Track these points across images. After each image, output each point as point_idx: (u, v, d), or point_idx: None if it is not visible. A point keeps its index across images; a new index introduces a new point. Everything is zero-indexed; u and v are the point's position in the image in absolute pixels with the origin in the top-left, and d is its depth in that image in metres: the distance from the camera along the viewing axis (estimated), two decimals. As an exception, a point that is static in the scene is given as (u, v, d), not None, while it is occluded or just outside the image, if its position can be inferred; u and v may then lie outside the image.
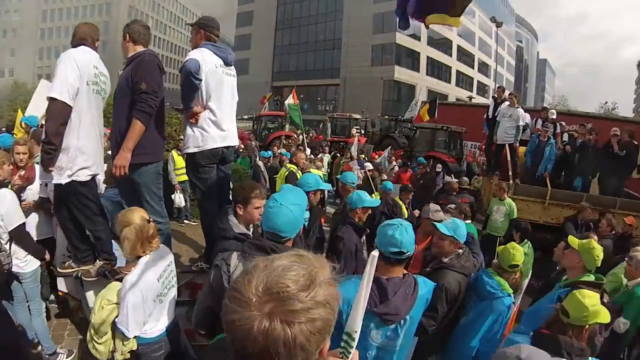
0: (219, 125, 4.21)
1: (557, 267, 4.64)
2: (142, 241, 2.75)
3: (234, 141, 4.54)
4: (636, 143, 9.79)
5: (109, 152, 4.45)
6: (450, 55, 58.51)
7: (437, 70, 56.37)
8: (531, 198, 9.36)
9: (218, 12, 74.63)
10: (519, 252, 3.52)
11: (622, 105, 71.93)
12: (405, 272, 2.68)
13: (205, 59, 4.01)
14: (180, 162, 8.62)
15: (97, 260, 3.92)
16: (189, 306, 3.60)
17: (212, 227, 4.00)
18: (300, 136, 17.07)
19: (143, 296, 2.64)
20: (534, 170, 10.08)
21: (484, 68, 65.59)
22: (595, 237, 6.23)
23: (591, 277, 3.62)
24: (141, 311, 2.65)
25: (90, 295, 3.91)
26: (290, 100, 14.18)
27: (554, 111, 11.95)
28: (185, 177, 8.03)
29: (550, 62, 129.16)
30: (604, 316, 2.63)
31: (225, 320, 0.95)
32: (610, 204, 8.90)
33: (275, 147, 13.39)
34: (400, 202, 7.63)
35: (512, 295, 3.42)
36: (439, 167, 12.76)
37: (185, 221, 9.24)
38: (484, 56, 65.47)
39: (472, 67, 63.96)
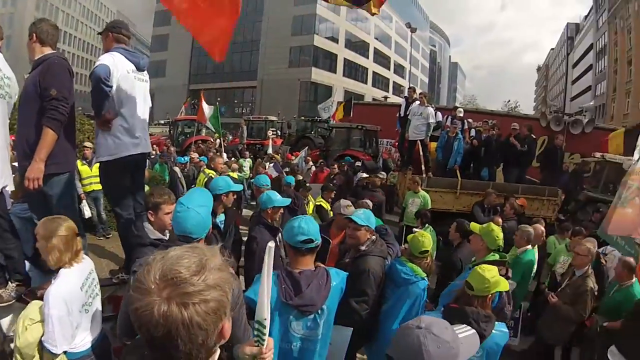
0: (131, 133, 4.09)
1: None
2: (71, 252, 2.66)
3: (147, 148, 4.48)
4: (534, 137, 11.08)
5: (15, 164, 4.09)
6: (367, 57, 60.09)
7: (354, 71, 57.56)
8: (443, 189, 9.91)
9: (136, 10, 70.27)
10: (427, 239, 3.74)
11: (523, 104, 79.63)
12: (320, 265, 2.83)
13: (117, 64, 3.86)
14: (85, 171, 8.03)
15: (9, 283, 3.50)
16: (113, 322, 3.38)
17: (129, 236, 3.90)
18: (218, 140, 16.74)
19: (68, 308, 2.52)
20: (444, 163, 10.60)
21: (399, 70, 68.44)
22: (500, 220, 7.03)
23: (496, 256, 4.07)
24: (68, 324, 2.52)
25: (4, 322, 3.45)
26: (205, 105, 13.93)
27: (461, 110, 12.79)
28: (93, 187, 7.84)
29: (461, 65, 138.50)
30: (504, 285, 2.99)
31: (130, 310, 1.02)
32: (514, 190, 9.77)
33: (193, 153, 12.95)
34: (323, 201, 7.82)
35: (425, 278, 3.64)
36: (359, 164, 13.00)
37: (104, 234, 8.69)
38: (400, 58, 68.40)
39: (389, 69, 66.43)
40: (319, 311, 2.65)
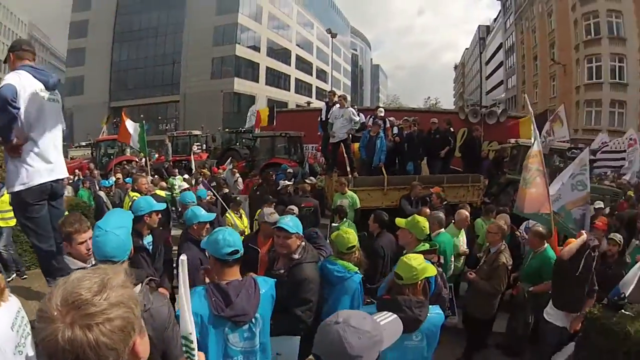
0: (44, 158, 3.84)
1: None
2: None
3: (63, 173, 4.20)
4: (452, 130, 11.82)
5: None
6: (290, 64, 60.27)
7: (277, 79, 57.36)
8: (370, 187, 10.11)
9: (49, 19, 64.78)
10: (352, 234, 3.84)
11: (444, 100, 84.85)
12: (250, 274, 2.91)
13: (24, 84, 3.57)
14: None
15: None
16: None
17: (51, 269, 3.81)
18: (143, 159, 16.13)
19: (1, 350, 2.40)
20: (369, 162, 10.76)
21: (322, 75, 69.19)
22: (428, 210, 7.34)
23: (426, 246, 4.25)
24: (2, 368, 2.37)
25: None
26: (129, 123, 13.28)
27: (382, 109, 13.20)
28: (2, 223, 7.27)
29: (382, 67, 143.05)
30: (431, 270, 3.14)
31: (37, 341, 1.01)
32: (439, 180, 10.28)
33: (117, 174, 12.30)
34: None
35: (358, 272, 3.73)
36: (290, 171, 12.93)
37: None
38: (322, 64, 69.12)
39: (311, 75, 67.02)
40: (253, 320, 2.67)
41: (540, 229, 5.85)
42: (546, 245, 5.72)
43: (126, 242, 2.45)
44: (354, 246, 3.82)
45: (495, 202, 9.99)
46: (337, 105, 10.96)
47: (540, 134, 11.20)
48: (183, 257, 1.52)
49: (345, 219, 7.90)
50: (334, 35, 41.22)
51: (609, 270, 5.83)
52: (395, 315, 1.98)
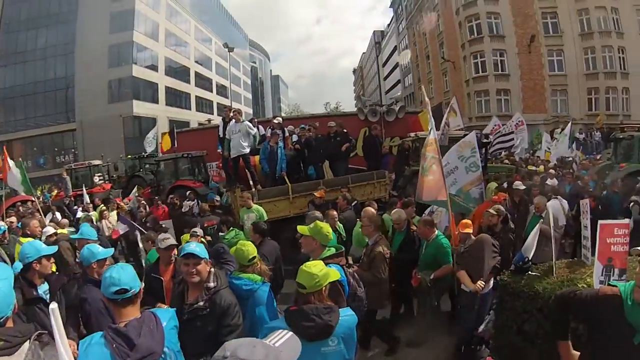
0: None
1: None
2: None
3: None
4: (345, 130, 12.01)
5: None
6: (189, 82, 57.47)
7: (177, 98, 54.29)
8: (276, 198, 10.04)
9: None
10: (250, 246, 3.92)
11: (346, 104, 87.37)
12: (150, 309, 2.74)
13: None
14: None
15: None
16: None
17: None
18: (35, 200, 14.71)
19: None
20: (272, 173, 10.72)
21: (222, 90, 66.67)
22: (335, 213, 7.44)
23: (332, 250, 4.21)
24: None
25: None
26: (11, 162, 11.89)
27: (278, 118, 13.40)
28: None
29: (283, 77, 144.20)
30: (334, 274, 3.13)
31: None
32: (344, 182, 10.53)
33: (11, 217, 10.94)
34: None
35: (266, 281, 3.79)
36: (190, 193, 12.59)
37: None
38: (221, 79, 66.85)
39: (211, 91, 64.61)
40: (163, 356, 2.45)
41: (429, 217, 6.34)
42: (436, 231, 6.11)
43: (8, 295, 2.14)
44: (254, 257, 3.85)
45: (403, 195, 10.28)
46: (233, 121, 10.83)
47: (440, 126, 12.13)
48: (53, 305, 1.36)
49: (232, 228, 8.08)
50: (230, 50, 41.17)
51: (499, 240, 6.19)
52: (291, 333, 1.94)
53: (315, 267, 3.02)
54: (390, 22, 65.61)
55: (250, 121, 11.59)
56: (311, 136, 11.56)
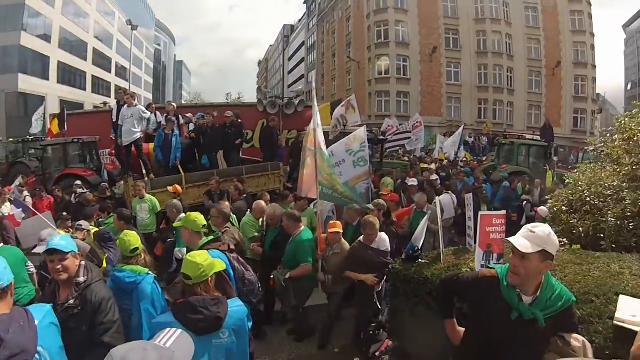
0: None
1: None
2: None
3: None
4: (240, 121, 12.00)
5: None
6: (86, 59, 50.59)
7: (71, 76, 47.52)
8: (169, 188, 9.69)
9: None
10: (133, 237, 3.76)
11: (248, 95, 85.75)
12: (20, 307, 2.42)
13: None
14: None
15: None
16: None
17: None
18: None
19: None
20: (166, 162, 10.51)
21: (122, 72, 59.86)
22: (228, 203, 7.57)
23: (210, 237, 4.24)
24: None
25: None
26: None
27: (173, 104, 13.06)
28: None
29: (187, 64, 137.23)
30: (219, 265, 3.16)
31: None
32: (239, 172, 10.59)
33: None
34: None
35: (150, 273, 3.60)
36: (78, 183, 11.63)
37: None
38: (122, 59, 59.83)
39: (110, 72, 57.98)
40: (37, 356, 2.24)
41: (294, 211, 6.31)
42: (302, 227, 5.96)
43: None
44: (137, 248, 3.71)
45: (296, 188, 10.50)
46: (126, 105, 10.43)
47: (333, 120, 13.01)
48: None
49: (111, 214, 7.51)
50: (134, 28, 38.61)
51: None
52: (180, 330, 1.92)
53: (200, 256, 3.01)
54: (302, 17, 66.49)
55: (148, 107, 11.20)
56: (206, 125, 11.41)
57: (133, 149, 10.53)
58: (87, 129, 14.80)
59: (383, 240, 5.61)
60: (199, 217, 4.24)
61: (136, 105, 10.48)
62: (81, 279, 3.01)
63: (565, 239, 5.20)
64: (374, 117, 37.94)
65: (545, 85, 41.37)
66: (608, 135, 5.93)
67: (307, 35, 61.79)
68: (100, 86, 53.72)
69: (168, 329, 1.91)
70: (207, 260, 3.00)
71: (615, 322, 2.95)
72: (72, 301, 2.94)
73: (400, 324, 5.19)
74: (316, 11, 57.68)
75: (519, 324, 2.51)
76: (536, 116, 39.78)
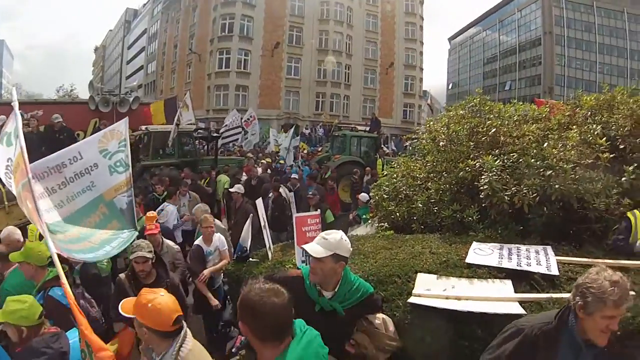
0: None
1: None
2: None
3: None
4: (71, 129, 11.56)
5: None
6: None
7: None
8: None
9: None
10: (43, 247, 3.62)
11: (81, 87, 70.32)
12: None
13: None
14: None
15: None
16: None
17: None
18: None
19: None
20: None
21: None
22: None
23: (53, 272, 3.68)
24: None
25: None
26: None
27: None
28: None
29: (8, 44, 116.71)
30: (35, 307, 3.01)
31: None
32: None
33: None
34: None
35: None
36: None
37: None
38: None
39: None
40: None
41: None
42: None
43: None
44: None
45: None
46: None
47: (174, 120, 13.09)
48: None
49: None
50: None
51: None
52: None
53: (20, 302, 2.95)
54: (147, 2, 60.32)
55: None
56: (32, 131, 10.22)
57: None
58: None
59: (221, 239, 6.01)
60: (41, 249, 3.75)
61: None
62: None
63: (386, 223, 6.02)
64: (212, 112, 38.30)
65: (380, 81, 45.93)
66: (420, 133, 6.99)
67: (150, 23, 56.81)
68: None
69: None
70: (27, 302, 2.93)
71: (412, 297, 3.43)
72: None
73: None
74: (163, -4, 53.49)
75: (322, 315, 2.96)
76: (370, 109, 43.07)
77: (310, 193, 9.09)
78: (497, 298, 3.34)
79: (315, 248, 2.84)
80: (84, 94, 23.13)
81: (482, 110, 5.83)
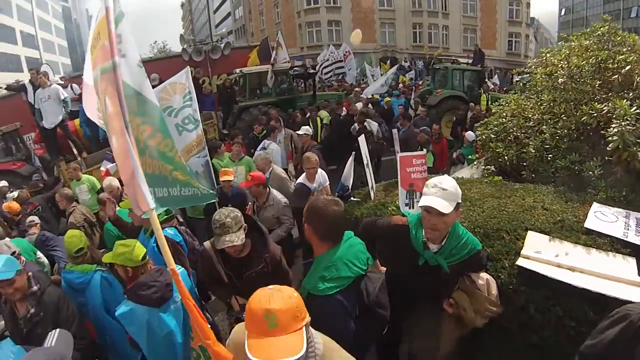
0: None
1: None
2: None
3: None
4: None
5: None
6: None
7: None
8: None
9: None
10: (76, 237, 3.77)
11: (174, 42, 70.77)
12: None
13: None
14: None
15: None
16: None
17: None
18: None
19: None
20: (95, 135, 9.98)
21: (30, 40, 52.18)
22: None
23: (162, 216, 4.19)
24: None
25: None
26: None
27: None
28: None
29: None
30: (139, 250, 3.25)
31: None
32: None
33: None
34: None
35: (97, 269, 3.72)
36: None
37: None
38: (26, 26, 52.06)
39: (15, 43, 49.51)
40: None
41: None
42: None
43: None
44: (82, 248, 3.72)
45: (233, 133, 10.00)
46: (40, 87, 9.60)
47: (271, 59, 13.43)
48: None
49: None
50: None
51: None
52: (58, 330, 2.19)
53: (126, 246, 3.22)
54: None
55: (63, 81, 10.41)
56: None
57: (58, 129, 9.86)
58: (4, 116, 12.58)
59: (323, 175, 5.87)
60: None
61: (51, 84, 9.68)
62: (34, 288, 3.19)
63: (493, 166, 5.44)
64: (306, 49, 37.28)
65: (480, 9, 41.44)
66: (533, 67, 5.93)
67: (232, -32, 55.75)
68: (7, 61, 46.02)
69: (51, 332, 2.21)
70: (131, 246, 3.21)
71: (520, 258, 3.05)
72: (32, 310, 3.13)
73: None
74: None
75: (425, 269, 2.77)
76: (472, 39, 39.71)
77: (420, 129, 8.78)
78: (619, 278, 2.78)
79: (439, 202, 2.52)
80: (177, 48, 23.93)
81: (613, 41, 4.83)
